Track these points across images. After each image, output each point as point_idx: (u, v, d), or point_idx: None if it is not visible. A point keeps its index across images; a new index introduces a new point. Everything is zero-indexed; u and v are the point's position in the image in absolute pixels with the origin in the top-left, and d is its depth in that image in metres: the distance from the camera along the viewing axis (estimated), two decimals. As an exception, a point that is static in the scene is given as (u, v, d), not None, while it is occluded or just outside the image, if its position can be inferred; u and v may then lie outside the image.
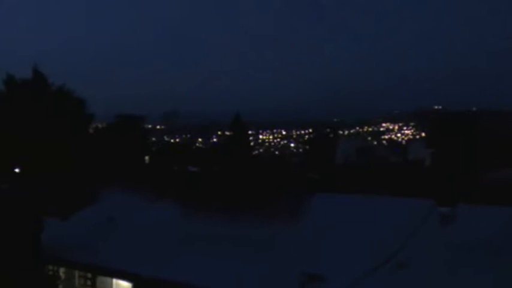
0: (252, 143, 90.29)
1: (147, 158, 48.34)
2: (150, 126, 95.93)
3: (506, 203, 22.04)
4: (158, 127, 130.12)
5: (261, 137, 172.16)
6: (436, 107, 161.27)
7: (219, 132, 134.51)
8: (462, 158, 39.08)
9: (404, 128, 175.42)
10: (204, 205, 18.84)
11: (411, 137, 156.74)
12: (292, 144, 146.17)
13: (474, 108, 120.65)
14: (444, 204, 17.74)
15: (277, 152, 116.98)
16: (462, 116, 49.92)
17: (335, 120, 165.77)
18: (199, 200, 19.61)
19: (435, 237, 14.38)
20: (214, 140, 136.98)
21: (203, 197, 19.90)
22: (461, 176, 32.13)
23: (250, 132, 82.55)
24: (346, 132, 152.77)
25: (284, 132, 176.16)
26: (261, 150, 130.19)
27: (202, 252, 14.54)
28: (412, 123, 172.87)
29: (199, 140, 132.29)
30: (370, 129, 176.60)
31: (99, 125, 51.09)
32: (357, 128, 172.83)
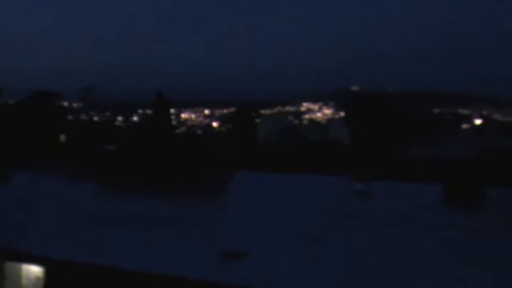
0: (173, 122, 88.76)
1: (62, 137, 46.11)
2: (66, 103, 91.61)
3: (419, 179, 23.30)
4: (75, 105, 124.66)
5: (183, 115, 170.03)
6: (353, 88, 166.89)
7: (140, 111, 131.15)
8: (378, 136, 40.81)
9: (324, 107, 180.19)
10: (122, 186, 18.25)
11: (331, 116, 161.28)
12: (215, 124, 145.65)
13: (389, 89, 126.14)
14: (360, 180, 18.40)
15: (199, 131, 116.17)
16: (378, 97, 51.96)
17: (257, 99, 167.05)
18: (116, 181, 18.97)
19: (351, 212, 14.87)
20: (135, 118, 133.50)
21: (121, 178, 19.27)
22: (377, 154, 33.59)
23: (172, 110, 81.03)
24: (269, 111, 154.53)
25: (207, 112, 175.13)
26: (183, 129, 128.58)
27: (119, 233, 14.09)
28: (331, 103, 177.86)
29: (119, 118, 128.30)
30: (291, 108, 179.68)
31: (10, 101, 47.91)
32: (279, 107, 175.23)
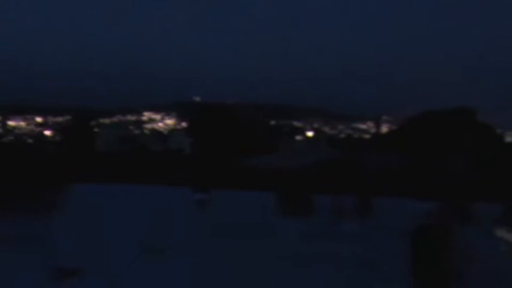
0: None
1: None
2: None
3: (257, 188, 24.41)
4: None
5: (10, 123, 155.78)
6: (195, 98, 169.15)
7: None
8: (219, 147, 41.81)
9: (166, 117, 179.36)
10: None
11: (173, 126, 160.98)
12: (48, 132, 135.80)
13: (230, 101, 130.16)
14: (201, 190, 18.68)
15: (30, 140, 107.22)
16: (219, 108, 53.30)
17: (96, 107, 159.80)
18: None
19: (192, 222, 15.00)
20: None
21: None
22: (217, 164, 34.35)
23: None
24: (108, 120, 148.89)
25: (39, 119, 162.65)
26: (10, 138, 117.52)
27: None
28: (173, 113, 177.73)
29: None
30: (132, 118, 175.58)
31: None
32: (119, 116, 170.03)
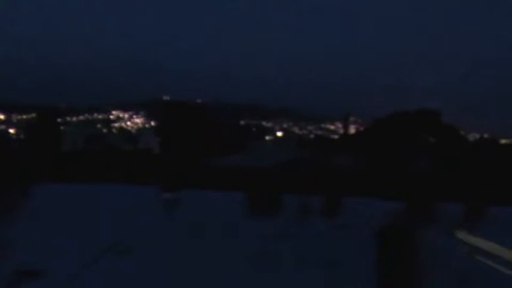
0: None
1: None
2: None
3: (229, 188, 24.39)
4: None
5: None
6: (165, 97, 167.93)
7: None
8: (188, 146, 41.54)
9: (135, 116, 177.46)
10: None
11: (141, 125, 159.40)
12: (12, 130, 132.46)
13: (200, 100, 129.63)
14: (169, 190, 18.54)
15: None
16: (189, 106, 52.92)
17: (62, 105, 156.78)
18: None
19: (159, 222, 14.87)
20: None
21: None
22: (187, 163, 34.13)
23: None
24: (75, 118, 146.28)
25: (2, 116, 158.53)
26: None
27: None
28: (142, 112, 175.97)
29: None
30: (100, 116, 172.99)
31: None
32: (86, 114, 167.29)
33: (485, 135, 68.72)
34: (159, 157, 40.41)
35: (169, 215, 16.44)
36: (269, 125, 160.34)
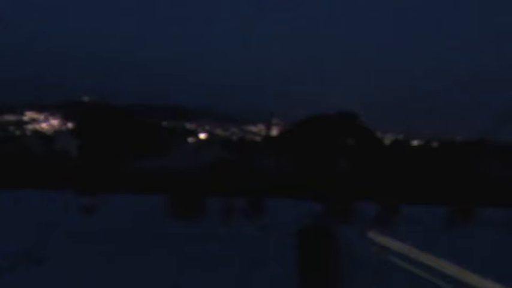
0: None
1: None
2: None
3: (148, 191, 23.87)
4: None
5: None
6: (84, 98, 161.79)
7: None
8: (108, 148, 40.27)
9: (51, 117, 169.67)
10: None
11: (58, 127, 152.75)
12: None
13: (119, 101, 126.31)
14: (87, 194, 17.86)
15: None
16: (108, 107, 51.36)
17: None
18: None
19: (76, 228, 14.28)
20: None
21: None
22: (106, 166, 33.06)
23: None
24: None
25: None
26: None
27: None
28: (59, 114, 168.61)
29: None
30: (12, 118, 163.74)
31: None
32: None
33: (400, 137, 72.34)
34: (77, 160, 38.91)
35: (87, 221, 15.85)
36: (192, 126, 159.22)
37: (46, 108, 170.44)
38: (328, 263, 7.06)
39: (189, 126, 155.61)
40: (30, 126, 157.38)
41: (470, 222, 17.60)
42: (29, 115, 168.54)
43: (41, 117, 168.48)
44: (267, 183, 23.40)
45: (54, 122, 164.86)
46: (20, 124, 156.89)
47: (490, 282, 8.53)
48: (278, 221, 15.99)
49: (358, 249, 11.18)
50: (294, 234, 7.83)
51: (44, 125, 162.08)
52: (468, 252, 12.10)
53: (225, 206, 16.87)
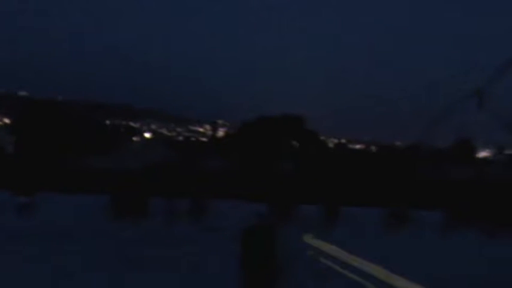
0: None
1: None
2: None
3: (92, 191, 23.24)
4: None
5: None
6: (20, 93, 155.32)
7: None
8: (47, 146, 38.84)
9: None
10: None
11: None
12: None
13: (60, 97, 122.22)
14: (23, 193, 17.18)
15: None
16: (48, 104, 49.61)
17: None
18: None
19: (12, 228, 13.72)
20: None
21: None
22: (44, 164, 31.92)
23: None
24: None
25: None
26: None
27: None
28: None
29: None
30: None
31: None
32: None
33: (343, 140, 74.03)
34: (13, 158, 37.33)
35: (23, 220, 15.25)
36: (137, 125, 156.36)
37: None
38: (269, 264, 7.13)
39: (134, 125, 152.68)
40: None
41: (406, 224, 18.25)
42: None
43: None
44: (212, 184, 23.33)
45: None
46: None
47: (416, 284, 8.82)
48: (221, 222, 15.99)
49: (297, 251, 11.34)
50: (237, 235, 7.84)
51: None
52: (403, 253, 12.54)
53: (169, 207, 16.70)
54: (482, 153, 47.93)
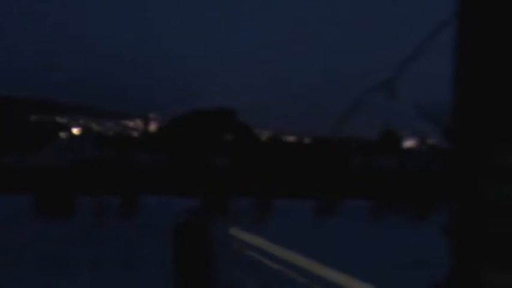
0: None
1: None
2: None
3: (15, 189, 22.11)
4: None
5: None
6: None
7: None
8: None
9: None
10: None
11: None
12: None
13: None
14: None
15: None
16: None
17: None
18: None
19: None
20: None
21: None
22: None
23: None
24: None
25: None
26: None
27: None
28: None
29: None
30: None
31: None
32: None
33: (276, 133, 74.97)
34: None
35: None
36: (64, 121, 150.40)
37: None
38: (202, 260, 7.13)
39: (60, 120, 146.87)
40: None
41: (334, 214, 18.79)
42: None
43: None
44: (143, 180, 22.94)
45: None
46: None
47: (346, 276, 9.11)
48: (154, 219, 15.77)
49: (228, 245, 11.41)
50: (169, 232, 7.79)
51: None
52: (333, 244, 12.93)
53: (97, 205, 16.24)
54: (407, 144, 50.15)
